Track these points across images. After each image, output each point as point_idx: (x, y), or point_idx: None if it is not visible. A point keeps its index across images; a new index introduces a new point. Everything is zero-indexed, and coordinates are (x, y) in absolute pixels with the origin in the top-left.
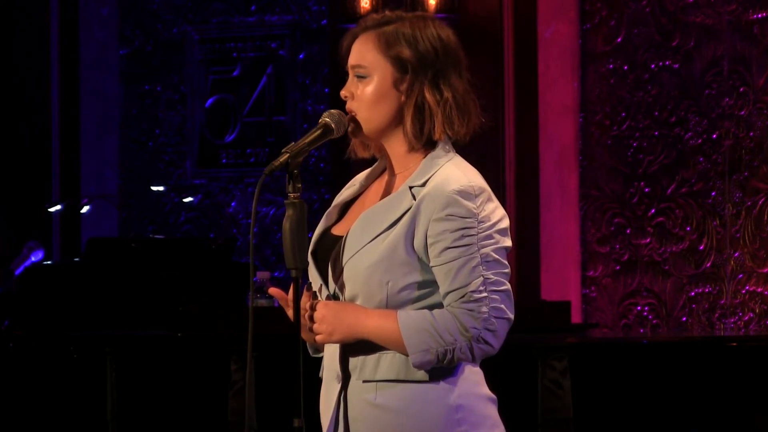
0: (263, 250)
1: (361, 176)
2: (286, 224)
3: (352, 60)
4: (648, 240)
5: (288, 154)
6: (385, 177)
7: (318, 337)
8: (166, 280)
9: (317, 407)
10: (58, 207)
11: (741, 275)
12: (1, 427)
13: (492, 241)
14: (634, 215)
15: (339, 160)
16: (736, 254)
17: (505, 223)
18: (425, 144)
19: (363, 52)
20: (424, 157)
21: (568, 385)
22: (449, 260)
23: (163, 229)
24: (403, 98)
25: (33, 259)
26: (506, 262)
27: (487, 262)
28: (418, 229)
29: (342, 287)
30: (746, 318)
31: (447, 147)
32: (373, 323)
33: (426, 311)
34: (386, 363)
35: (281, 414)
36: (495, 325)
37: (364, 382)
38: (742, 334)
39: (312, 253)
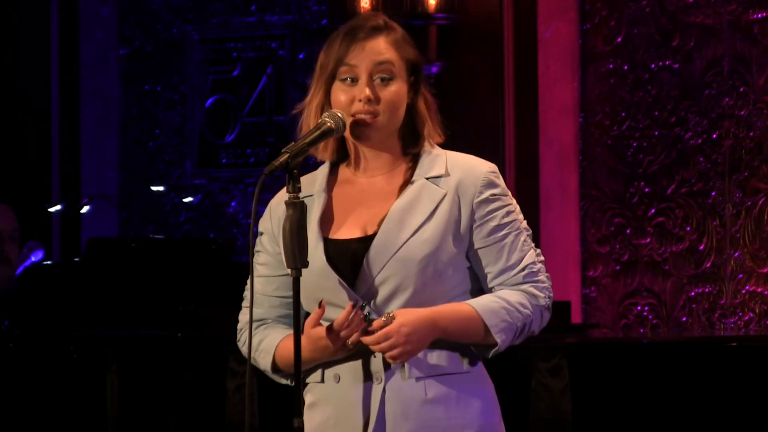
0: None
1: (315, 186)
2: (286, 224)
3: (376, 62)
4: (648, 240)
5: (288, 154)
6: (360, 179)
7: (395, 360)
8: (166, 280)
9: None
10: (58, 207)
11: (741, 275)
12: (1, 428)
13: (522, 215)
14: (634, 215)
15: None
16: (736, 254)
17: None
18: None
19: (384, 54)
20: (412, 156)
21: (562, 385)
22: (500, 239)
23: (163, 229)
24: (409, 100)
25: (33, 259)
26: None
27: (528, 234)
28: (462, 215)
29: (381, 284)
30: (746, 318)
31: (431, 143)
32: (447, 323)
33: (489, 295)
34: (433, 359)
35: (281, 414)
36: (552, 292)
37: (414, 379)
38: (742, 334)
39: (328, 262)
